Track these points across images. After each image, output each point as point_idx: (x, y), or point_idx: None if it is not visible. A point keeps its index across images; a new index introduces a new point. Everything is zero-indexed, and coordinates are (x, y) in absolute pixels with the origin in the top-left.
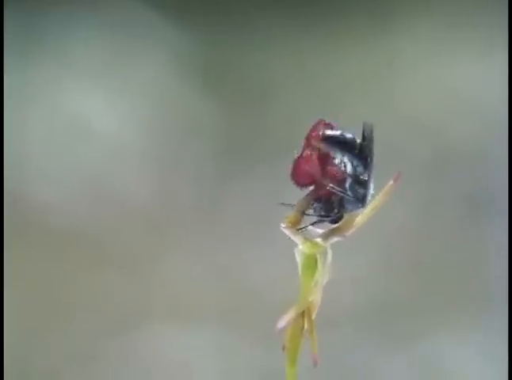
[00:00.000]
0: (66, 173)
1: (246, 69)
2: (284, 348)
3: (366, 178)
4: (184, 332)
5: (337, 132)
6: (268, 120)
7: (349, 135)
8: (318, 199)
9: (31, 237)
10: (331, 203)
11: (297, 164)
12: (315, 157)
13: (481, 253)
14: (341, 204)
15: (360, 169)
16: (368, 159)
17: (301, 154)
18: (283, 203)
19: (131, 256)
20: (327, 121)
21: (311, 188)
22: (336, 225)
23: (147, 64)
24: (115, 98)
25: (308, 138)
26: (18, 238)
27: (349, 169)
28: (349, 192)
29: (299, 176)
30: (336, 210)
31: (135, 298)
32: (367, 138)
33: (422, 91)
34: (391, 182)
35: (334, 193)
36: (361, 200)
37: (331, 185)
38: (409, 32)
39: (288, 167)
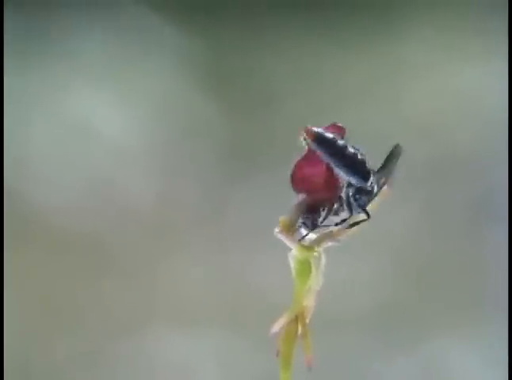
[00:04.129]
0: (69, 176)
1: (250, 73)
2: (278, 353)
3: (371, 189)
4: (186, 336)
5: (329, 134)
6: (273, 125)
7: (340, 142)
8: (309, 211)
9: (34, 240)
10: (319, 214)
11: (299, 167)
12: (322, 164)
13: (485, 257)
14: (337, 213)
15: (355, 180)
16: (382, 178)
17: (305, 157)
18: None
19: (133, 259)
20: (339, 124)
21: (304, 195)
22: (329, 229)
23: (151, 68)
24: (119, 101)
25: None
26: (21, 241)
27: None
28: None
29: (298, 180)
30: (322, 219)
31: (137, 301)
32: (391, 160)
33: (427, 95)
34: (385, 187)
35: (327, 203)
36: (363, 208)
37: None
38: (414, 38)
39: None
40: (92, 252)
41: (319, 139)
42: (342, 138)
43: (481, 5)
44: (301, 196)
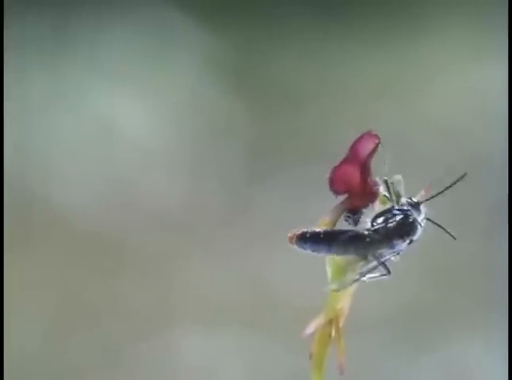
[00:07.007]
0: (92, 176)
1: (276, 73)
2: (311, 356)
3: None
4: (207, 336)
5: (304, 230)
6: (298, 125)
7: (319, 230)
8: (350, 211)
9: (55, 240)
10: (360, 214)
11: (337, 170)
12: (357, 167)
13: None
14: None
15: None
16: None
17: (343, 162)
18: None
19: (155, 259)
20: (374, 132)
21: (346, 196)
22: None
23: (176, 67)
24: (144, 101)
25: (353, 148)
26: (42, 241)
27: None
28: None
29: (336, 183)
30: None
31: (158, 301)
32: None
33: (451, 98)
34: (422, 192)
35: (367, 206)
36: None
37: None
38: (431, 39)
39: (318, 171)
40: (114, 253)
41: (300, 240)
42: (377, 146)
43: (496, 6)
44: (341, 198)
